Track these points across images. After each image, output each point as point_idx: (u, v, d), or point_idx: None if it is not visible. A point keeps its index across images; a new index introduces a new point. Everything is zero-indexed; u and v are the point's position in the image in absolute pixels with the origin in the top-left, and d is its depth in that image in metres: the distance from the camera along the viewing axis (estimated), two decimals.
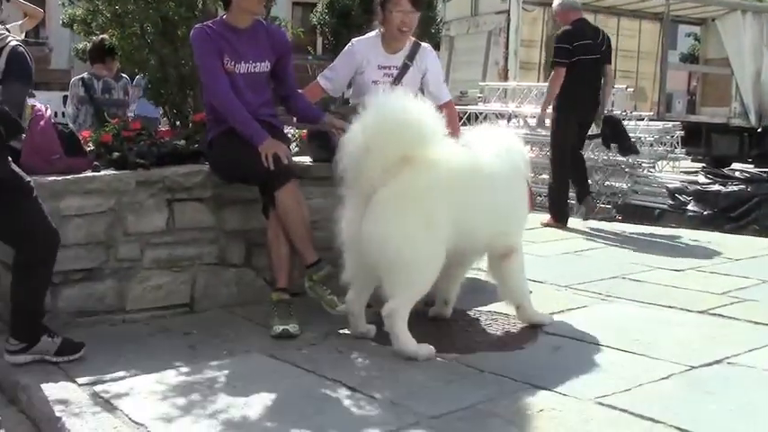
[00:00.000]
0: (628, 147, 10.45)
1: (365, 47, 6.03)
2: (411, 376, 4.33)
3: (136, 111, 9.29)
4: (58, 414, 3.97)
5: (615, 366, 4.47)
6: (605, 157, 12.97)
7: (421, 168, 4.53)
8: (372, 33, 6.09)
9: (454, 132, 5.53)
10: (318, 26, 18.48)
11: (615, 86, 14.56)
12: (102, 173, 5.31)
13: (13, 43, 5.47)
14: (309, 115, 5.86)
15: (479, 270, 6.60)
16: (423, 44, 6.12)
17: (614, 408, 3.87)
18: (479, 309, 5.61)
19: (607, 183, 13.25)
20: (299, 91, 5.86)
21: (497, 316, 5.45)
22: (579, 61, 9.08)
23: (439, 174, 4.56)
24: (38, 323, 4.71)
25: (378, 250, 4.51)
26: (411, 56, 5.97)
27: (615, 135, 10.03)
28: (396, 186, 4.48)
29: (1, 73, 5.36)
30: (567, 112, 9.21)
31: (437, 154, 4.59)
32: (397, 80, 5.88)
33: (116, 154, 5.48)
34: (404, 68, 5.93)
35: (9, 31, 5.73)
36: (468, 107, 15.26)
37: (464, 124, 14.58)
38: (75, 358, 4.69)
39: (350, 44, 6.14)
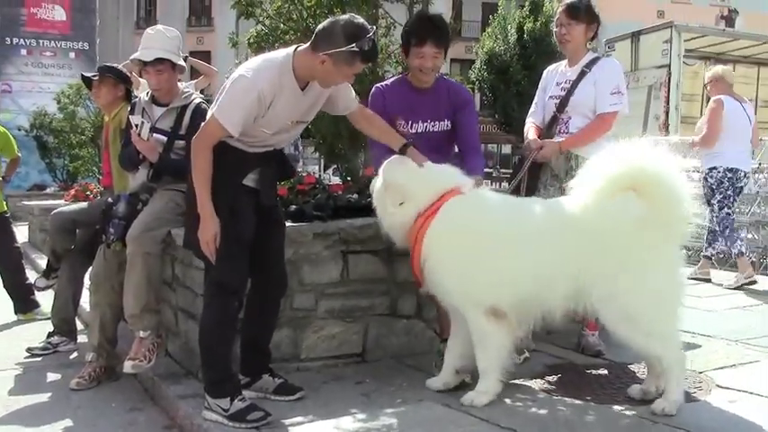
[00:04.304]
0: None
1: (553, 69, 6.09)
2: (586, 426, 4.34)
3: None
4: None
5: None
6: None
7: None
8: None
9: (581, 138, 5.67)
10: (477, 82, 18.70)
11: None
12: None
13: (197, 101, 5.81)
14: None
15: None
16: (604, 57, 6.07)
17: None
18: None
19: None
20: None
21: None
22: None
23: None
24: (262, 361, 5.07)
25: None
26: (590, 64, 5.83)
27: None
28: None
29: (185, 128, 5.70)
30: None
31: None
32: (570, 92, 5.80)
33: (293, 207, 5.66)
34: (580, 77, 5.80)
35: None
36: None
37: None
38: (293, 399, 4.92)
39: (545, 73, 6.20)
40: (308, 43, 4.53)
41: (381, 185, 4.98)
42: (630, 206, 4.38)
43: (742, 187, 9.54)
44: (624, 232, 4.42)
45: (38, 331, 7.32)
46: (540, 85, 6.16)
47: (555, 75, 6.02)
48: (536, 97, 6.17)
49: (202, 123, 4.67)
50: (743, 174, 9.38)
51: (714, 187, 9.35)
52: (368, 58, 4.58)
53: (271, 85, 4.44)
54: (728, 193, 9.29)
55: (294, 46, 4.68)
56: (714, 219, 9.36)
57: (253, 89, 4.41)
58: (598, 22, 5.86)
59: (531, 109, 6.16)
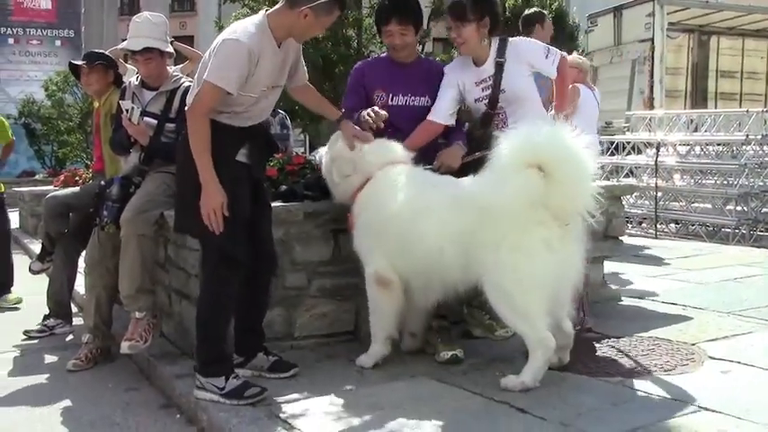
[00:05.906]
0: None
1: (459, 69, 5.70)
2: (578, 398, 4.39)
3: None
4: None
5: None
6: (761, 184, 12.60)
7: None
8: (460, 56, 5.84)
9: (563, 98, 5.81)
10: None
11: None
12: (273, 205, 5.40)
13: (187, 84, 5.86)
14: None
15: (638, 298, 6.63)
16: (510, 38, 5.64)
17: None
18: (640, 335, 5.62)
19: (764, 209, 12.81)
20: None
21: (659, 341, 5.46)
22: None
23: None
24: (256, 340, 5.12)
25: None
26: (501, 53, 5.51)
27: None
28: None
29: (176, 112, 5.75)
30: None
31: None
32: (496, 87, 5.51)
33: (284, 187, 5.72)
34: (499, 70, 5.50)
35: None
36: (615, 137, 15.09)
37: (612, 154, 14.47)
38: (287, 376, 4.98)
39: (446, 73, 5.74)
40: (281, 3, 4.64)
41: (329, 159, 5.32)
42: (527, 183, 4.38)
43: None
44: (514, 209, 4.45)
45: (33, 314, 7.35)
46: (446, 83, 5.65)
47: (467, 75, 5.62)
48: (440, 97, 5.64)
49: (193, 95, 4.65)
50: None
51: None
52: (343, 5, 4.90)
53: (255, 43, 4.51)
54: None
55: (263, 10, 4.81)
56: None
57: (242, 47, 4.47)
58: (492, 14, 5.45)
59: (435, 106, 5.63)
